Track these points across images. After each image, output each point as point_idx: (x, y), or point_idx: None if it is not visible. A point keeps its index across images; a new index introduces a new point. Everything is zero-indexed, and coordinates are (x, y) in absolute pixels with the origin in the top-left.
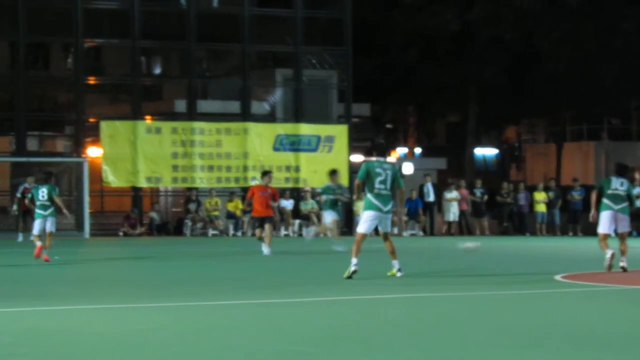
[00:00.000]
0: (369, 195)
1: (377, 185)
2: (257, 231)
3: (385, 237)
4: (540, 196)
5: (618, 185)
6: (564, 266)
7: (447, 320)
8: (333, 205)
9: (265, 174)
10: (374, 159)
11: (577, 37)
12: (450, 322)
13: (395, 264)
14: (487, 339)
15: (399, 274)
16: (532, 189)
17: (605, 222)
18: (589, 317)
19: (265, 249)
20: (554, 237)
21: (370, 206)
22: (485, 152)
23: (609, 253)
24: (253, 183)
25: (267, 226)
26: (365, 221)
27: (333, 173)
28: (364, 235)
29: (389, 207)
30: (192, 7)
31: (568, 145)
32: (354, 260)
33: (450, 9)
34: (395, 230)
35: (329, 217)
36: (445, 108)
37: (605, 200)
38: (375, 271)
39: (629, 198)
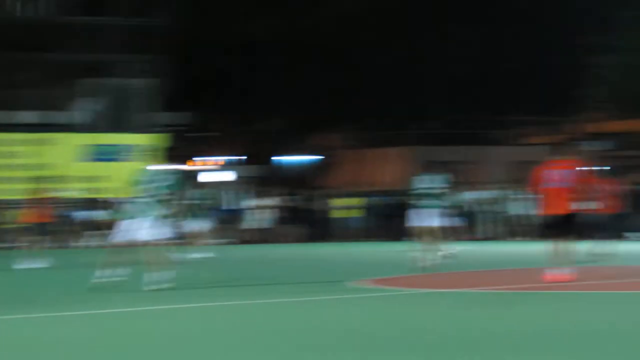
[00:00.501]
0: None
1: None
2: None
3: None
4: (347, 202)
5: (428, 183)
6: (363, 271)
7: (232, 329)
8: (198, 213)
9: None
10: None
11: (388, 44)
12: (228, 330)
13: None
14: (268, 345)
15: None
16: (340, 195)
17: (414, 218)
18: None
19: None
20: (361, 242)
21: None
22: (295, 159)
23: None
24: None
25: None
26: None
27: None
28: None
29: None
30: (8, 15)
31: (376, 151)
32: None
33: (264, 17)
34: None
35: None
36: (263, 116)
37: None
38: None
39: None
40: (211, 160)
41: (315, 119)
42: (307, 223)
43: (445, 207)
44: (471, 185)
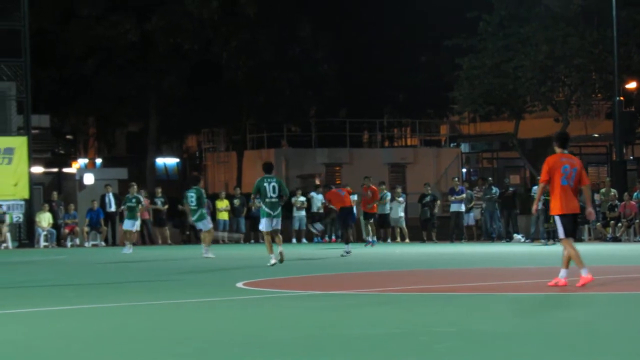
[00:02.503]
0: None
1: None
2: None
3: None
4: (222, 204)
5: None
6: (248, 273)
7: (123, 331)
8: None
9: None
10: None
11: (255, 47)
12: (125, 332)
13: None
14: (163, 349)
15: None
16: (213, 197)
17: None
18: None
19: None
20: (238, 245)
21: None
22: (167, 161)
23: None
24: None
25: None
26: None
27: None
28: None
29: None
30: None
31: (248, 152)
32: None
33: (129, 19)
34: (77, 241)
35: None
36: (125, 118)
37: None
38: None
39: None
40: (82, 162)
41: (180, 122)
42: (183, 225)
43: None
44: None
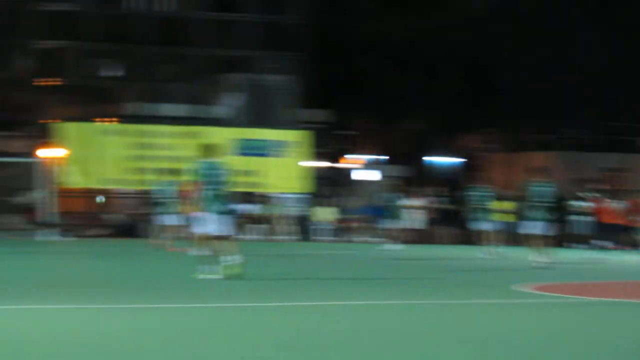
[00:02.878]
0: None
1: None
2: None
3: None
4: (499, 206)
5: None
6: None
7: (402, 328)
8: None
9: None
10: None
11: (535, 48)
12: (405, 329)
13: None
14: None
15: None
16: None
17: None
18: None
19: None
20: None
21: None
22: (445, 160)
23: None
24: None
25: None
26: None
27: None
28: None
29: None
30: (149, 10)
31: (527, 154)
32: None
33: (409, 17)
34: (353, 236)
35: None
36: (403, 115)
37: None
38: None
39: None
40: (358, 158)
41: (458, 121)
42: (458, 225)
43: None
44: (621, 193)
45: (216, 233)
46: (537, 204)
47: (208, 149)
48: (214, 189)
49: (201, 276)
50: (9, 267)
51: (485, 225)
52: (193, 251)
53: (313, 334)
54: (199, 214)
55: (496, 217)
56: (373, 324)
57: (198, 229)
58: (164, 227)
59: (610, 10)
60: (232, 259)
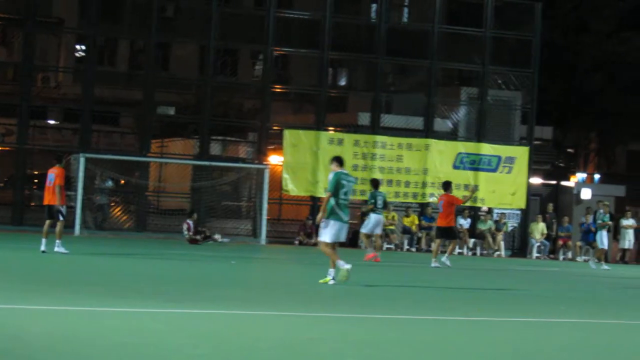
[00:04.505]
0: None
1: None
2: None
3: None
4: None
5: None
6: None
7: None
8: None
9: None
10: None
11: None
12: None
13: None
14: None
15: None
16: None
17: None
18: None
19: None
20: None
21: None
22: None
23: None
24: (431, 200)
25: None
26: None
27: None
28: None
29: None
30: (382, 21)
31: None
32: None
33: (639, 36)
34: (570, 255)
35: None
36: (627, 135)
37: None
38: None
39: None
40: (577, 176)
41: None
42: None
43: None
44: None
45: (334, 240)
46: None
47: (338, 161)
48: (343, 199)
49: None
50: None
51: None
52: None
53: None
54: (325, 222)
55: None
56: (577, 340)
57: (322, 237)
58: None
59: None
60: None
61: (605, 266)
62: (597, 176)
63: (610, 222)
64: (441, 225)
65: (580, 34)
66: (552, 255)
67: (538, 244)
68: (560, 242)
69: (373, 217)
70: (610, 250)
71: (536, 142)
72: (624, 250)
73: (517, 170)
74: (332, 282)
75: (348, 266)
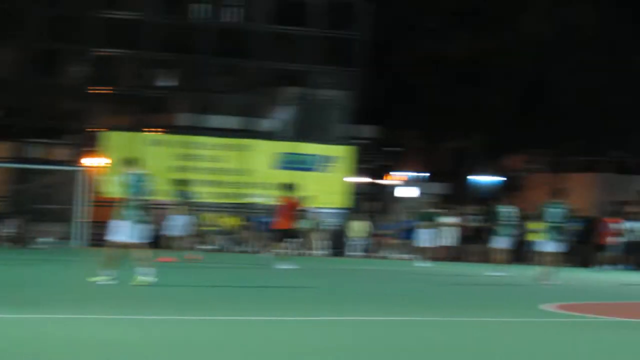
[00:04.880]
0: None
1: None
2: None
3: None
4: (537, 225)
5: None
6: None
7: (427, 344)
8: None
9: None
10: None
11: (589, 69)
12: (428, 345)
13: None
14: None
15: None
16: (528, 218)
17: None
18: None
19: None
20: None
21: None
22: (487, 179)
23: None
24: (256, 200)
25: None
26: None
27: None
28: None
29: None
30: (206, 21)
31: (569, 175)
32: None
33: (464, 36)
34: (389, 253)
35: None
36: (450, 134)
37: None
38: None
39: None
40: (401, 175)
41: (506, 141)
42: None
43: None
44: None
45: (128, 241)
46: (552, 224)
47: (130, 162)
48: (135, 199)
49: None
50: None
51: (503, 243)
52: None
53: (328, 349)
54: (116, 223)
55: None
56: (396, 339)
57: (112, 237)
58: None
59: None
60: (144, 270)
61: (426, 263)
62: (420, 174)
63: (433, 220)
64: (282, 227)
65: (405, 33)
66: (373, 254)
67: (358, 242)
68: (382, 240)
69: (180, 218)
70: (432, 248)
71: (360, 141)
72: (447, 248)
73: (340, 170)
74: (145, 278)
75: (111, 275)
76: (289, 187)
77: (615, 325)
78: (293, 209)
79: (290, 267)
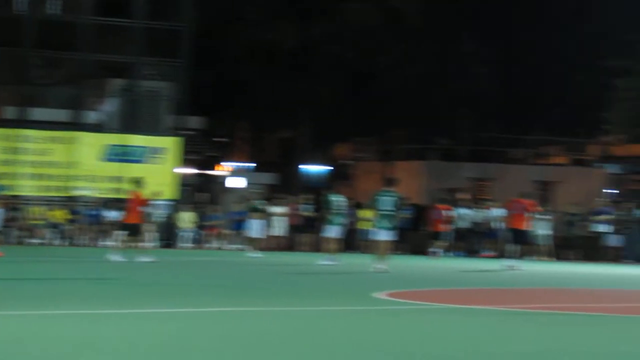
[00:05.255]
0: None
1: None
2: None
3: None
4: (368, 214)
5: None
6: (388, 284)
7: (267, 336)
8: None
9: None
10: None
11: (415, 58)
12: (264, 337)
13: None
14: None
15: None
16: (359, 206)
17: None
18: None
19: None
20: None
21: None
22: (316, 168)
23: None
24: (83, 193)
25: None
26: None
27: None
28: None
29: None
30: (28, 13)
31: (398, 163)
32: None
33: (291, 25)
34: (219, 243)
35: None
36: (278, 124)
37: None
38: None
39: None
40: (228, 166)
41: (334, 130)
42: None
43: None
44: (491, 202)
45: None
46: (383, 212)
47: None
48: None
49: None
50: None
51: (334, 232)
52: None
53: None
54: None
55: (362, 224)
56: (227, 330)
57: None
58: None
59: (497, 29)
60: None
61: (258, 254)
62: (248, 165)
63: (262, 211)
64: (130, 221)
65: (232, 23)
66: (203, 245)
67: (188, 233)
68: (211, 231)
69: None
70: (263, 238)
71: (188, 132)
72: (278, 238)
73: (168, 161)
74: None
75: None
76: (137, 182)
77: (445, 311)
78: (141, 204)
79: (149, 259)
